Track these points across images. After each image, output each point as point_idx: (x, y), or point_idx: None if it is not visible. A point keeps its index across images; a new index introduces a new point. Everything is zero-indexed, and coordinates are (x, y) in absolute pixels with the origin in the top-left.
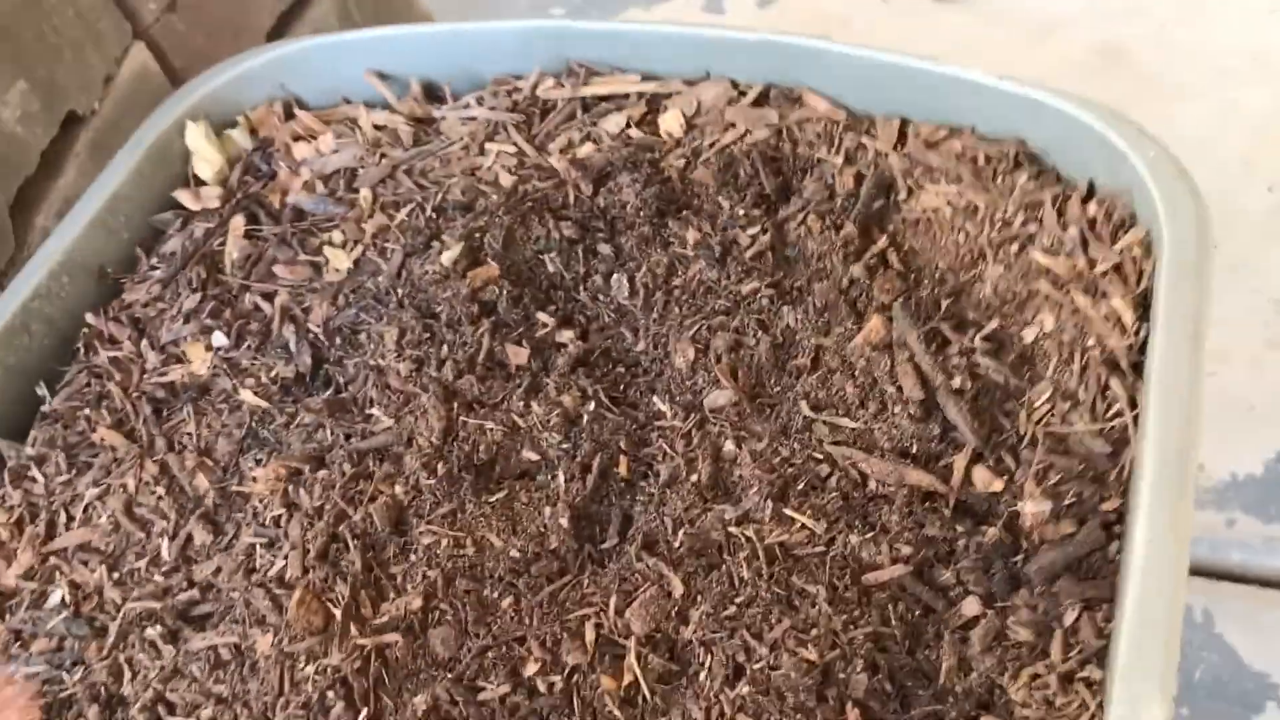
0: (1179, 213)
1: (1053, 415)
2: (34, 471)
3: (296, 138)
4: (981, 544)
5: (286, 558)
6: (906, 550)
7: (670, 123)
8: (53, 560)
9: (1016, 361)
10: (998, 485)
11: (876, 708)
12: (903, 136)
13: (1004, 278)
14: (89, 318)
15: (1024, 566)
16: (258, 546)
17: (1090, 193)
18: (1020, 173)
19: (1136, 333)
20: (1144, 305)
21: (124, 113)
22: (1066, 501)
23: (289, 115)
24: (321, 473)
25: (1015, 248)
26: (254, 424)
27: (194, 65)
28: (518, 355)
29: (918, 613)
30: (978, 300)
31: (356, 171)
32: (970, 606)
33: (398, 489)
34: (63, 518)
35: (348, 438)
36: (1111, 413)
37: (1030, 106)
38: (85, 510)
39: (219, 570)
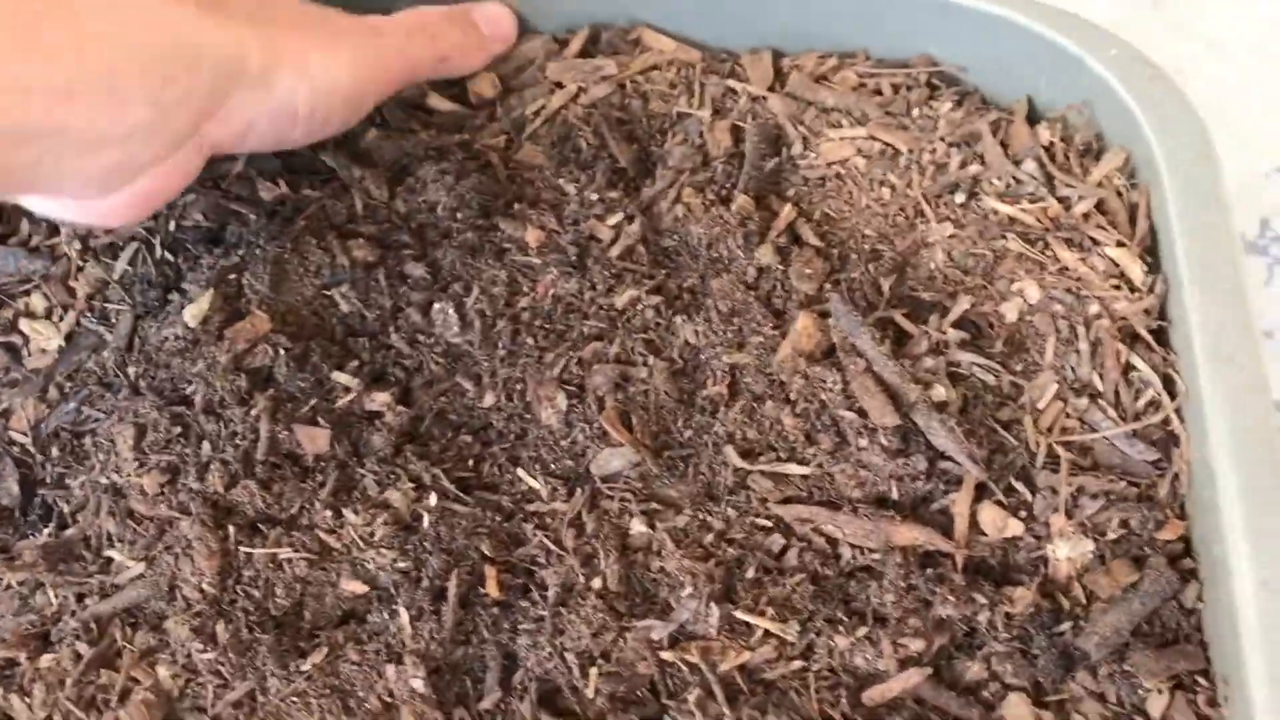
0: (1170, 123)
1: (1067, 417)
2: None
3: None
4: (1011, 616)
5: None
6: (916, 645)
7: (482, 85)
8: None
9: (1004, 351)
10: (1015, 527)
11: None
12: (779, 74)
13: (957, 240)
14: None
15: (1076, 638)
16: None
17: (1032, 114)
18: (938, 100)
19: (1151, 289)
20: (1150, 252)
21: None
22: (1111, 536)
23: None
24: (46, 659)
25: (961, 197)
26: None
27: None
28: (315, 440)
29: None
30: (929, 274)
31: None
32: (1015, 709)
33: (162, 672)
34: None
35: (80, 599)
36: (1144, 402)
37: (934, 9)
38: None
39: None
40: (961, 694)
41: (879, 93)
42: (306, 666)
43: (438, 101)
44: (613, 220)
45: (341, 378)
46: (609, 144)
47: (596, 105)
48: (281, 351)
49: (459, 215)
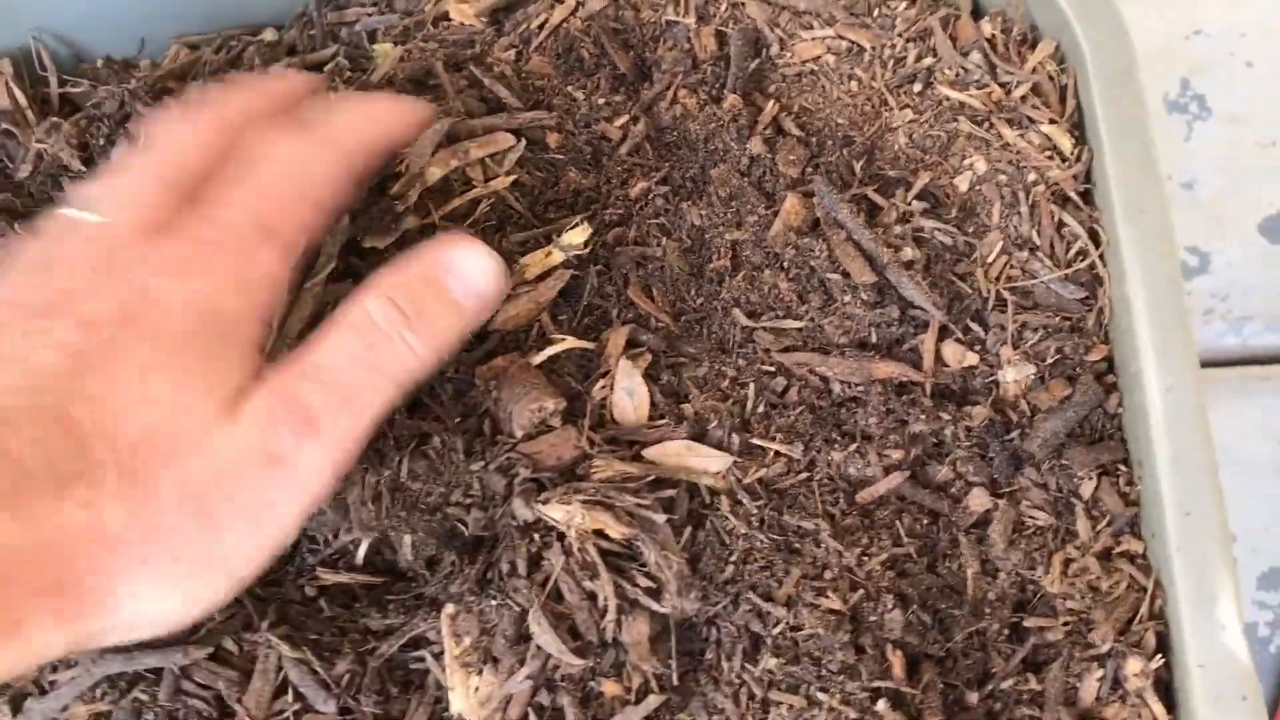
0: (1091, 13)
1: (1011, 268)
2: None
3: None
4: (971, 428)
5: None
6: (896, 455)
7: (463, 11)
8: None
9: (959, 216)
10: (972, 359)
11: (918, 643)
12: None
13: (916, 124)
14: None
15: (1023, 443)
16: None
17: (977, 9)
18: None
19: (1078, 158)
20: (1078, 127)
21: None
22: (1049, 360)
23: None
24: None
25: (918, 86)
26: None
27: None
28: None
29: (926, 522)
30: (894, 155)
31: None
32: (977, 500)
33: None
34: None
35: None
36: (1074, 252)
37: None
38: None
39: None
40: (934, 491)
41: None
42: None
43: (457, 12)
44: (619, 121)
45: None
46: (609, 53)
47: (594, 17)
48: None
49: None
